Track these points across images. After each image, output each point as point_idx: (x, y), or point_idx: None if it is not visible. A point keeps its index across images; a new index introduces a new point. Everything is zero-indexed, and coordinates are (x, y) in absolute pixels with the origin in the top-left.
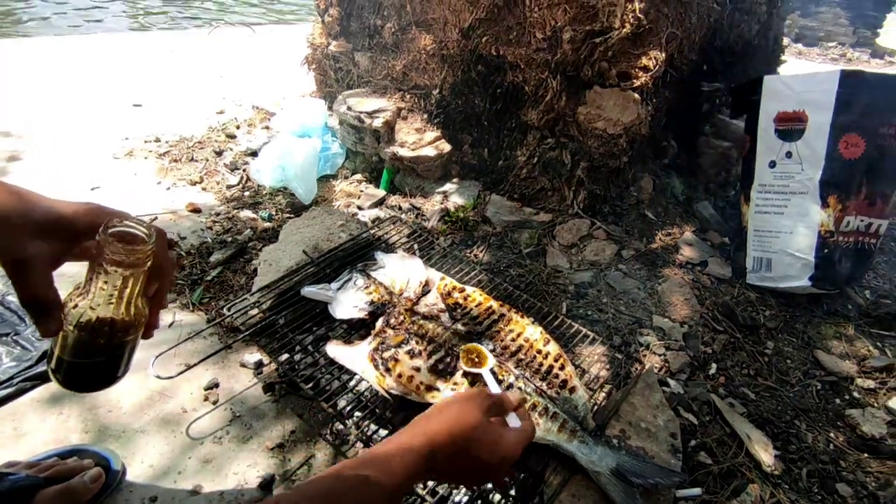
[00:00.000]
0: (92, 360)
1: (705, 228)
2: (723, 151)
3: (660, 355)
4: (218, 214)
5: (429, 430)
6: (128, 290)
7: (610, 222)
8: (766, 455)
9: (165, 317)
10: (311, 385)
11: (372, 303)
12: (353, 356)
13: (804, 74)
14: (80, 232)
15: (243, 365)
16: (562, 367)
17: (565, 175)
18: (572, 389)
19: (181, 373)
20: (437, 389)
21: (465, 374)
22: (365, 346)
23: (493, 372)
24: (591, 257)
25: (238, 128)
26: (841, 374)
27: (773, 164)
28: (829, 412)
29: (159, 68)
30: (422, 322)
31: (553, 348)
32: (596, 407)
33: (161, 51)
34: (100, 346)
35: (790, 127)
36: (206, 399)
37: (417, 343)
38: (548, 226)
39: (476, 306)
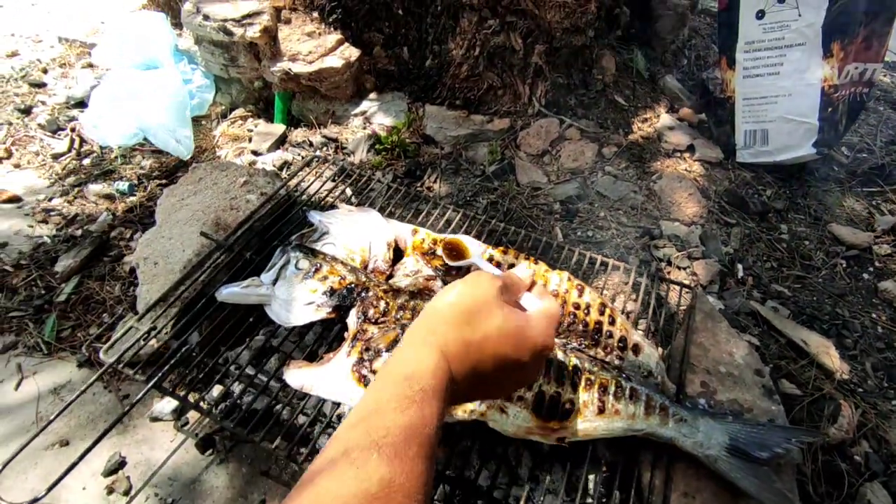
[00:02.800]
0: None
1: (676, 107)
2: (681, 11)
3: (684, 268)
4: (50, 199)
5: (435, 341)
6: None
7: (580, 117)
8: (832, 361)
9: (3, 386)
10: (266, 426)
11: (332, 292)
12: (328, 379)
13: None
14: None
15: (156, 419)
16: (612, 322)
17: (518, 65)
18: (636, 349)
19: (52, 486)
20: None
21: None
22: (342, 360)
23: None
24: (569, 164)
25: (45, 72)
26: (860, 245)
27: (761, 15)
28: (863, 290)
29: None
30: (413, 303)
31: (592, 297)
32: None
33: None
34: None
35: None
36: (111, 492)
37: None
38: (508, 134)
39: None
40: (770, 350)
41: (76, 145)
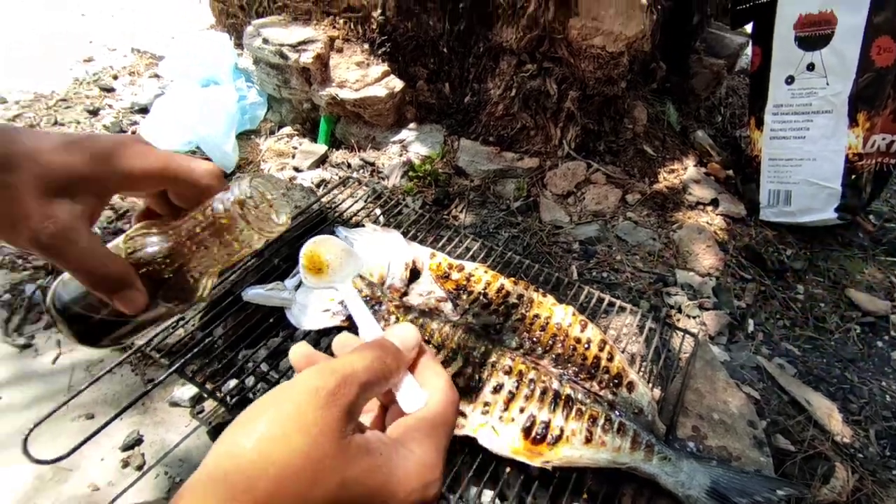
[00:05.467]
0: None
1: (705, 161)
2: (717, 70)
3: (694, 317)
4: None
5: None
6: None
7: (608, 163)
8: (834, 423)
9: (42, 357)
10: None
11: None
12: None
13: None
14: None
15: (175, 404)
16: (610, 358)
17: (551, 109)
18: (630, 386)
19: (75, 449)
20: (463, 415)
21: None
22: None
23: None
24: (592, 206)
25: (116, 78)
26: (877, 312)
27: (790, 80)
28: (875, 358)
29: None
30: (422, 321)
31: (594, 333)
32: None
33: None
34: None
35: (814, 32)
36: (125, 465)
37: None
38: (536, 172)
39: (484, 288)
40: (770, 405)
41: None
